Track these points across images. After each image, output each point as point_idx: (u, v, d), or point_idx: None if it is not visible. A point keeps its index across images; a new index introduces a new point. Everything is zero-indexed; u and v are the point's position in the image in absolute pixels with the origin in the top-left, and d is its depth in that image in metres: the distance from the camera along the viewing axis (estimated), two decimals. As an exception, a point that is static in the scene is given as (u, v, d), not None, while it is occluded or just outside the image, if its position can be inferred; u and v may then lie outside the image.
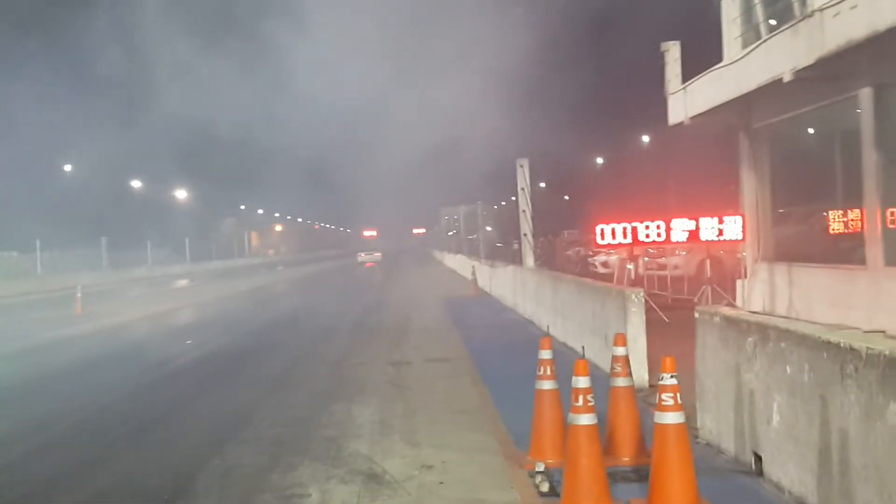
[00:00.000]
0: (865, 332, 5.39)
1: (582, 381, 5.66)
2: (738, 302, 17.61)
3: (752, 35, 15.91)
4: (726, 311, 6.94)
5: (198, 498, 6.60)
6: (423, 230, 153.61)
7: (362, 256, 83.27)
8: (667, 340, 7.47)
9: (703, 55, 17.51)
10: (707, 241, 16.90)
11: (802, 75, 13.33)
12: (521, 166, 18.67)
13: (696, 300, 17.31)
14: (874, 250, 13.79)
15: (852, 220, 15.70)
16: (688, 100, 18.05)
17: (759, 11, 15.70)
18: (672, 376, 5.58)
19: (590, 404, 5.64)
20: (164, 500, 6.59)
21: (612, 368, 6.94)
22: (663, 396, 5.57)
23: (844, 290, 14.51)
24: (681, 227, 16.77)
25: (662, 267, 23.44)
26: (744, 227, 16.80)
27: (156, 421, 9.83)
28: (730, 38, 16.40)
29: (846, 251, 15.37)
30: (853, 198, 14.74)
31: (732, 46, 16.18)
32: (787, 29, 13.65)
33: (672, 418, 5.55)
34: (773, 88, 14.39)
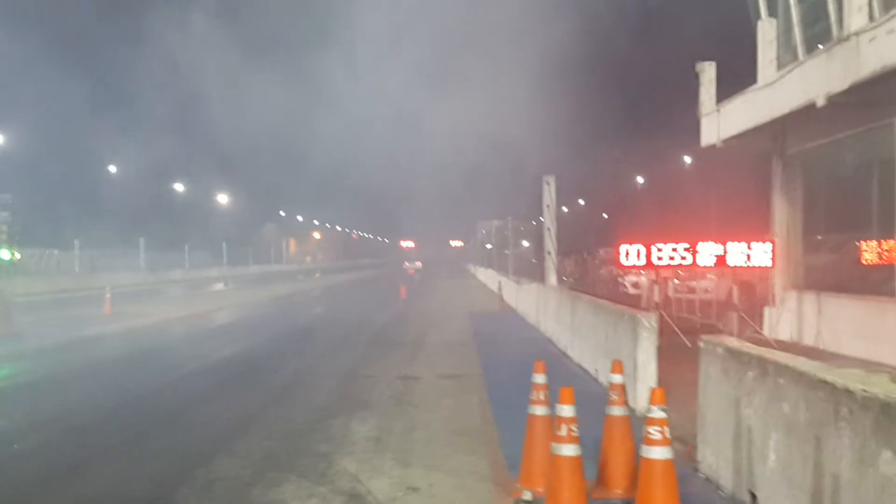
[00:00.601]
0: (868, 371, 5.08)
1: (566, 410, 5.42)
2: (766, 330, 17.20)
3: (788, 57, 15.56)
4: (730, 342, 6.65)
5: (175, 510, 6.43)
6: (460, 243, 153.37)
7: (406, 265, 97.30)
8: (684, 366, 7.20)
9: (745, 77, 17.14)
10: (734, 266, 16.48)
11: (836, 100, 12.99)
12: (548, 183, 18.40)
13: (721, 327, 16.92)
14: (905, 283, 13.37)
15: (886, 250, 15.27)
16: (721, 122, 17.73)
17: (796, 33, 15.34)
18: (661, 409, 5.32)
19: (574, 434, 5.40)
20: (140, 510, 6.43)
21: (609, 396, 6.67)
22: (651, 430, 5.31)
23: (873, 323, 14.10)
24: (707, 251, 16.36)
25: (692, 290, 22.98)
26: (773, 253, 16.37)
27: (154, 427, 9.72)
28: (765, 60, 16.05)
29: (877, 283, 14.94)
30: (888, 228, 14.33)
31: (767, 69, 15.84)
32: (822, 53, 13.31)
33: (659, 453, 5.29)
34: (807, 113, 14.05)
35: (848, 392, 4.52)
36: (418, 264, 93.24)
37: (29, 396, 12.21)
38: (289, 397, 11.55)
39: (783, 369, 5.41)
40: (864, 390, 4.36)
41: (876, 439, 4.22)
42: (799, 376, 5.17)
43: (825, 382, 4.79)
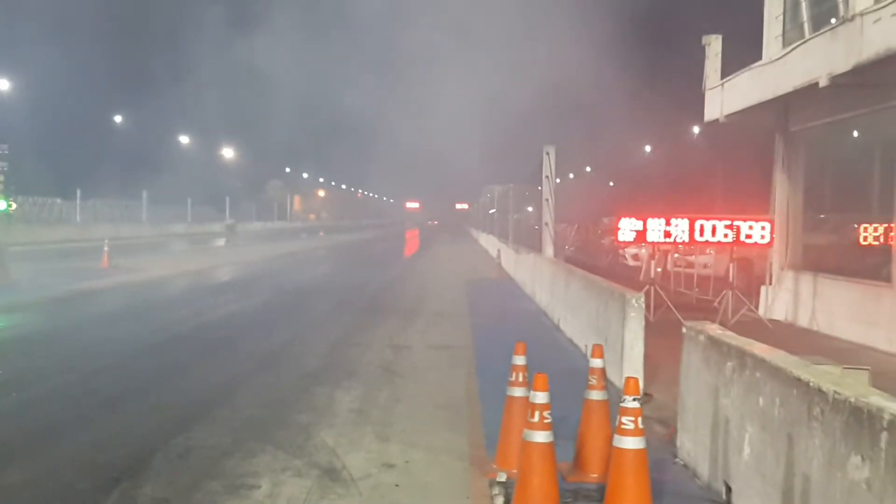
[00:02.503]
0: (847, 368, 5.01)
1: (540, 397, 5.37)
2: (761, 309, 17.15)
3: (795, 34, 15.32)
4: (711, 330, 6.57)
5: (147, 479, 6.41)
6: (465, 205, 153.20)
7: (429, 223, 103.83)
8: (677, 343, 7.11)
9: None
10: (732, 243, 16.39)
11: (839, 81, 12.81)
12: (548, 153, 18.23)
13: (716, 304, 16.86)
14: (901, 268, 13.28)
15: (884, 234, 15.18)
16: (725, 97, 17.55)
17: (803, 10, 15.09)
18: (635, 399, 5.27)
19: (546, 421, 5.35)
20: (112, 477, 6.41)
21: (588, 380, 6.61)
22: (623, 420, 5.26)
23: (868, 307, 14.04)
24: (705, 228, 16.27)
25: (690, 265, 22.87)
26: (772, 232, 16.27)
27: (136, 390, 9.71)
28: (770, 36, 15.82)
29: (874, 266, 14.86)
30: (888, 211, 14.21)
31: (772, 45, 15.62)
32: (826, 32, 13.11)
33: (631, 443, 5.25)
34: (810, 92, 13.87)
35: (821, 392, 4.45)
36: (435, 223, 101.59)
37: (15, 352, 12.22)
38: (277, 363, 11.54)
39: (760, 363, 5.35)
40: (837, 392, 4.29)
41: (845, 442, 4.16)
42: (775, 371, 5.10)
43: (799, 380, 4.72)
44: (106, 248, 27.21)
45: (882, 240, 15.21)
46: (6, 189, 36.87)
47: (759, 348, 5.66)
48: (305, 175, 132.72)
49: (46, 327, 14.70)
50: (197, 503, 5.90)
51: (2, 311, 16.08)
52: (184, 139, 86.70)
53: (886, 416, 3.82)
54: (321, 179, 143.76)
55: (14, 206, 41.66)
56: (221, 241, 52.48)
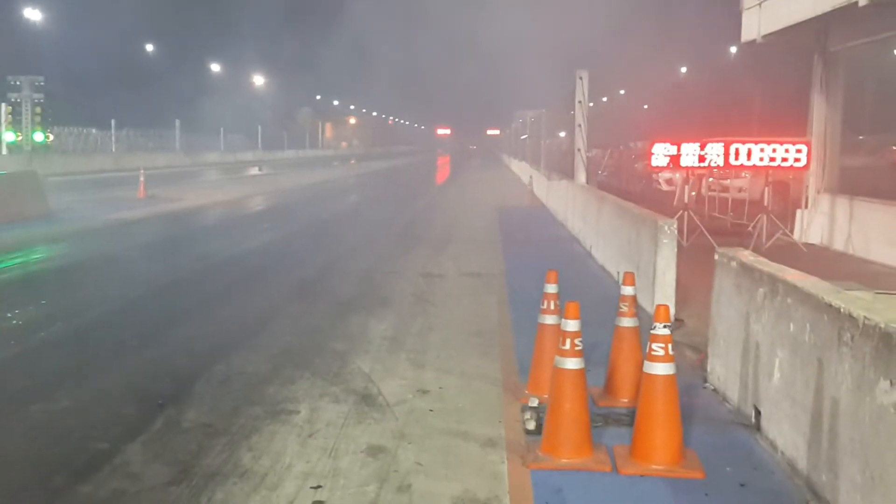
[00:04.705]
0: (879, 293, 5.00)
1: (571, 325, 5.43)
2: (796, 233, 17.03)
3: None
4: (744, 256, 6.57)
5: (190, 405, 6.61)
6: (497, 131, 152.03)
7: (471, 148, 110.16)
8: (709, 268, 7.14)
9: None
10: (765, 167, 16.18)
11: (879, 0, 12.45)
12: (581, 78, 18.03)
13: (750, 228, 16.75)
14: (940, 190, 13.08)
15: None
16: (763, 17, 17.12)
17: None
18: (665, 326, 5.32)
19: (577, 348, 5.42)
20: (157, 403, 6.62)
21: (619, 307, 6.67)
22: (654, 346, 5.33)
23: (904, 231, 13.88)
24: (741, 151, 16.04)
25: (725, 189, 22.66)
26: (809, 154, 16.02)
27: (175, 319, 9.92)
28: (810, -48, 15.32)
29: (913, 188, 14.66)
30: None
31: (813, -37, 15.14)
32: (868, -53, 12.69)
33: (661, 369, 5.32)
34: (850, 11, 13.50)
35: (851, 318, 4.47)
36: (473, 147, 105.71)
37: (57, 283, 12.49)
38: (311, 292, 11.70)
39: (792, 289, 5.36)
40: (867, 318, 4.31)
41: (875, 367, 4.20)
42: (806, 297, 5.12)
43: (830, 306, 4.74)
44: (142, 179, 27.50)
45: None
46: (43, 121, 37.23)
47: (791, 274, 5.66)
48: (336, 102, 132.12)
49: (86, 258, 14.98)
50: (239, 427, 6.08)
51: (41, 243, 16.39)
52: (215, 68, 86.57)
53: (916, 342, 3.84)
54: (352, 107, 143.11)
55: (52, 137, 42.09)
56: (255, 170, 52.73)
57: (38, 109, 36.88)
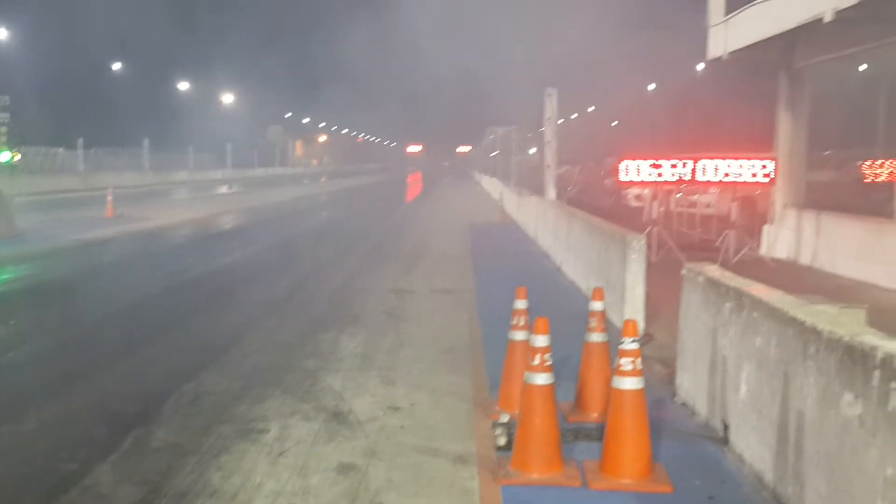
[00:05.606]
0: (843, 306, 5.08)
1: (540, 340, 5.45)
2: (763, 248, 17.22)
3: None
4: (710, 271, 6.65)
5: (159, 424, 6.56)
6: (468, 148, 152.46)
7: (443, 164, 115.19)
8: (678, 283, 7.20)
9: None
10: (734, 182, 16.36)
11: (844, 15, 12.67)
12: (550, 96, 18.16)
13: (718, 244, 16.92)
14: (904, 205, 13.31)
15: (890, 171, 15.17)
16: (729, 34, 17.38)
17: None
18: (633, 341, 5.36)
19: (547, 364, 5.45)
20: (126, 423, 6.56)
21: (588, 322, 6.72)
22: (622, 361, 5.37)
23: (870, 244, 14.10)
24: (708, 167, 16.21)
25: (693, 205, 22.89)
26: (775, 170, 16.23)
27: (145, 338, 9.83)
28: (775, -29, 15.59)
29: (877, 203, 14.88)
30: (892, 146, 14.17)
31: (777, -20, 15.40)
32: (831, -35, 12.92)
33: (630, 384, 5.35)
34: (815, 27, 13.73)
35: (815, 331, 4.54)
36: (445, 164, 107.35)
37: (25, 303, 12.36)
38: (283, 309, 11.67)
39: (758, 303, 5.43)
40: (831, 331, 4.38)
41: (839, 380, 4.26)
42: (772, 311, 5.19)
43: (795, 320, 4.81)
44: (110, 198, 27.27)
45: (885, 176, 15.22)
46: (9, 140, 36.82)
47: (757, 289, 5.74)
48: (306, 120, 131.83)
49: (53, 278, 14.84)
50: (209, 446, 6.04)
51: (9, 263, 16.21)
52: (184, 86, 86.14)
53: (879, 355, 3.90)
54: (322, 124, 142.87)
55: (19, 156, 41.62)
56: (224, 188, 52.47)
57: (3, 129, 36.42)
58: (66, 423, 6.71)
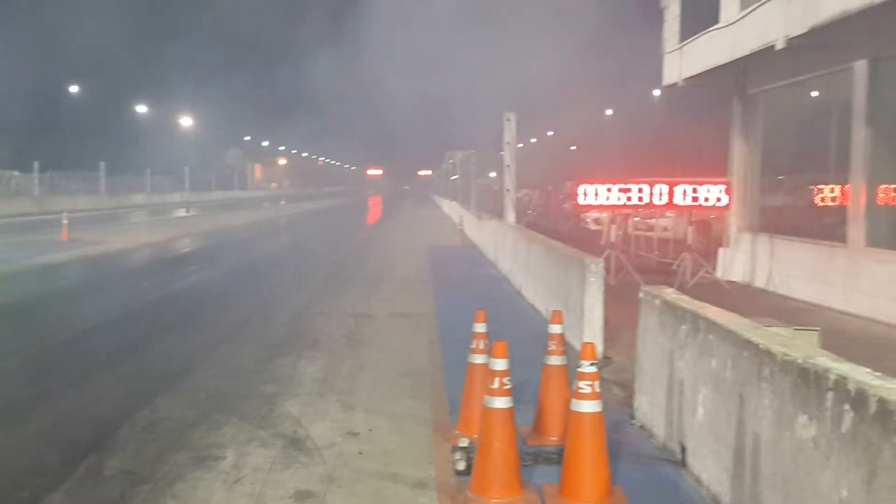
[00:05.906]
0: (797, 329, 5.16)
1: (499, 364, 5.46)
2: (719, 271, 17.43)
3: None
4: (667, 294, 6.71)
5: (113, 452, 6.45)
6: (429, 172, 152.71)
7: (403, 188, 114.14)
8: (636, 306, 7.25)
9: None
10: (688, 206, 16.59)
11: (795, 43, 12.95)
12: (509, 120, 18.28)
13: (675, 267, 17.09)
14: (856, 229, 13.57)
15: (840, 195, 15.43)
16: (683, 61, 17.67)
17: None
18: (591, 364, 5.38)
19: (506, 387, 5.45)
20: (79, 451, 6.44)
21: (547, 346, 6.73)
22: (581, 384, 5.38)
23: (823, 267, 14.32)
24: (664, 191, 16.43)
25: (651, 228, 23.14)
26: (729, 194, 16.47)
27: (100, 364, 9.67)
28: (728, -1, 15.91)
29: (830, 227, 15.13)
30: (845, 171, 14.43)
31: (730, 8, 15.73)
32: (782, -6, 13.21)
33: (588, 407, 5.37)
34: (768, 55, 14.01)
35: (770, 353, 4.59)
36: (406, 187, 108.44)
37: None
38: (240, 334, 11.56)
39: (713, 326, 5.49)
40: (785, 353, 4.43)
41: (793, 402, 4.30)
42: (727, 334, 5.24)
43: (750, 342, 4.86)
44: (65, 221, 26.89)
45: (838, 200, 15.49)
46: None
47: (712, 312, 5.80)
48: (265, 143, 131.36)
49: (6, 302, 14.54)
50: (163, 474, 5.95)
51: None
52: (141, 109, 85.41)
53: (832, 377, 3.95)
54: (281, 148, 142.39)
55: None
56: (182, 212, 51.98)
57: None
58: (18, 450, 6.59)
